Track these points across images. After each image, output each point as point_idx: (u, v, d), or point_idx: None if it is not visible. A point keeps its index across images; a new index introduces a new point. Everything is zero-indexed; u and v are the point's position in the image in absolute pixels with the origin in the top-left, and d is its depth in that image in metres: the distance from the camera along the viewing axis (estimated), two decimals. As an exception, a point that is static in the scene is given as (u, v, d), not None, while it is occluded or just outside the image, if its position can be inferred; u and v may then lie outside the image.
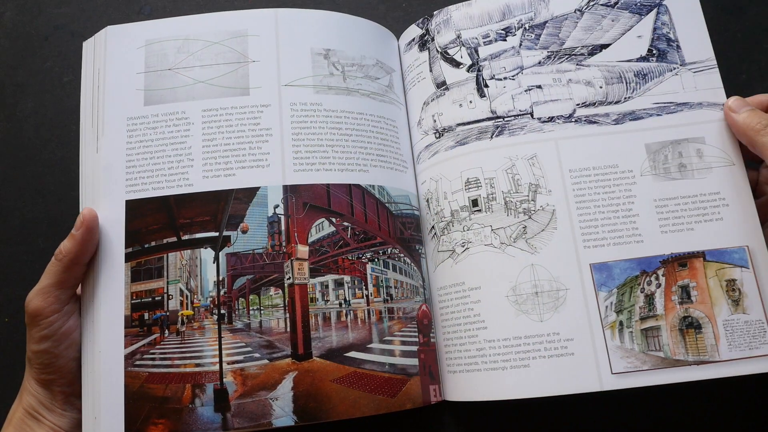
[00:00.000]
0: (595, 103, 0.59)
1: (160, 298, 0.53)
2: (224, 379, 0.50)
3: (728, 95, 0.57)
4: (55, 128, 0.68)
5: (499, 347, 0.53)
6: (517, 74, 0.60)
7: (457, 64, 0.61)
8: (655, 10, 0.60)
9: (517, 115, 0.59)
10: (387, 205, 0.57)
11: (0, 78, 0.69)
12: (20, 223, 0.66)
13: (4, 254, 0.65)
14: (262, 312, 0.53)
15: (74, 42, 0.70)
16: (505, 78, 0.60)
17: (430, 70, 0.61)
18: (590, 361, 0.52)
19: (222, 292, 0.52)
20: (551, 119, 0.58)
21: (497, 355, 0.53)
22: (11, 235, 0.66)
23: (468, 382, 0.54)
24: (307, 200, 0.54)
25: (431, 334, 0.57)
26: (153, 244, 0.53)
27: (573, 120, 0.58)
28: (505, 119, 0.59)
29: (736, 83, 0.65)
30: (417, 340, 0.56)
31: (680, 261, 0.54)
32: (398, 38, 0.64)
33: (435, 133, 0.60)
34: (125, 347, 0.51)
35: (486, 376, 0.53)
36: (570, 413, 0.58)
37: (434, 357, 0.56)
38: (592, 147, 0.57)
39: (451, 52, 0.61)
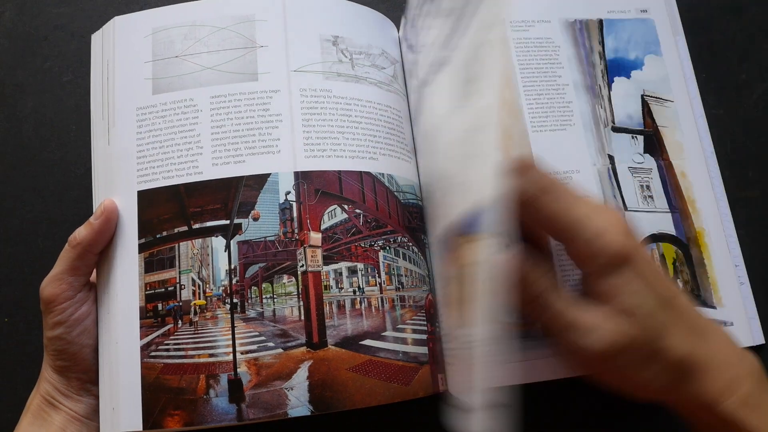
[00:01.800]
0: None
1: (172, 288, 0.52)
2: (238, 369, 0.49)
3: (728, 95, 0.58)
4: (55, 128, 0.67)
5: None
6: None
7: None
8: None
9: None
10: (396, 193, 0.57)
11: (-1, 77, 0.69)
12: (20, 224, 0.65)
13: (4, 254, 0.64)
14: (275, 300, 0.52)
15: (74, 42, 0.70)
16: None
17: (435, 62, 0.62)
18: None
19: (234, 281, 0.52)
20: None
21: None
22: (10, 235, 0.65)
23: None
24: (318, 187, 0.53)
25: (436, 324, 0.57)
26: (165, 234, 0.52)
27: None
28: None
29: (736, 83, 0.67)
30: (426, 328, 0.55)
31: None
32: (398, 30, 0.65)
33: (440, 124, 0.60)
34: (141, 338, 0.51)
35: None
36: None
37: (439, 346, 0.56)
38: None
39: (456, 43, 0.61)
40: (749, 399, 0.41)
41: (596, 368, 0.44)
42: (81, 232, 0.51)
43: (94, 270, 0.54)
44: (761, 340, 0.57)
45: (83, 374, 0.52)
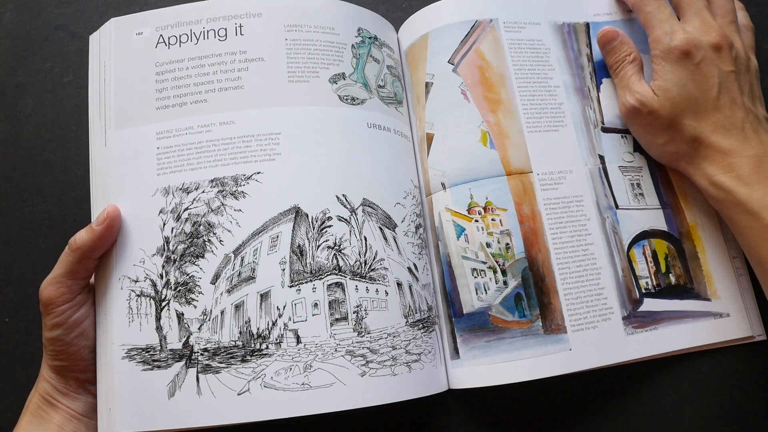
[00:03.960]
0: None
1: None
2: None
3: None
4: (56, 128, 0.67)
5: None
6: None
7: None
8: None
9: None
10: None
11: (0, 78, 0.69)
12: (20, 224, 0.65)
13: (4, 254, 0.64)
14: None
15: (74, 42, 0.70)
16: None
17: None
18: None
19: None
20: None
21: None
22: (11, 235, 0.65)
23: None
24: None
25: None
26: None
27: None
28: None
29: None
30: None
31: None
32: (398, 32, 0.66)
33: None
34: None
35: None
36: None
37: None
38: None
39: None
40: (746, 178, 0.52)
41: (631, 120, 0.58)
42: (82, 237, 0.51)
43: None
44: (760, 331, 0.57)
45: (81, 374, 0.52)
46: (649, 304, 0.57)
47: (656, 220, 0.59)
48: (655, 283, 0.58)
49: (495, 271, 0.56)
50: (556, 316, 0.55)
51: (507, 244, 0.56)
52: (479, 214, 0.57)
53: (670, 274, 0.58)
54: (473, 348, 0.55)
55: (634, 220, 0.59)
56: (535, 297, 0.55)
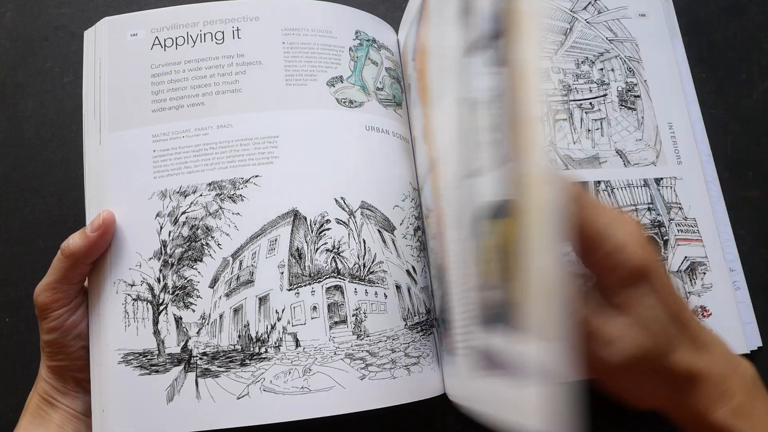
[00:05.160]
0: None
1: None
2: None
3: (728, 95, 0.58)
4: (56, 129, 0.67)
5: None
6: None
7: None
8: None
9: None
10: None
11: (0, 78, 0.69)
12: (20, 224, 0.65)
13: (4, 254, 0.65)
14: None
15: (75, 42, 0.70)
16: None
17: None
18: None
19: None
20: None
21: None
22: (11, 235, 0.65)
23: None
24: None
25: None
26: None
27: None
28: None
29: (735, 83, 0.66)
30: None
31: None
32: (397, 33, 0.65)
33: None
34: None
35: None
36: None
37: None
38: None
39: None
40: (741, 408, 0.41)
41: (606, 376, 0.43)
42: (75, 242, 0.51)
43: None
44: (756, 345, 0.56)
45: (79, 373, 0.52)
46: None
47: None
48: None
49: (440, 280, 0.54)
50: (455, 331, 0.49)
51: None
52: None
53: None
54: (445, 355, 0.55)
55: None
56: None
